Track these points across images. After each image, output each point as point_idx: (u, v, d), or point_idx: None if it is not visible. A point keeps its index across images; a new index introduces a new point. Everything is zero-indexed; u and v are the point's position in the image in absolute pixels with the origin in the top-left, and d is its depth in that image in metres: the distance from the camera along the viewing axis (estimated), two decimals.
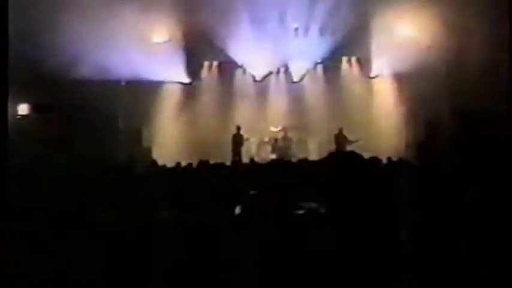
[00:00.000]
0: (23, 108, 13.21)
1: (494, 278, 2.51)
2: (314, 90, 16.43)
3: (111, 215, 3.09)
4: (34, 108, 13.14)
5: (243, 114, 15.99)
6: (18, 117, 12.81)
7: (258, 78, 16.59)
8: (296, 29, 14.92)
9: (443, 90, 13.92)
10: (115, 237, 2.92)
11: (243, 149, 15.20)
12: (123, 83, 14.57)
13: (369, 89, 16.27)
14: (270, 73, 16.56)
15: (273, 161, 7.65)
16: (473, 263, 2.54)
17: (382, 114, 15.72)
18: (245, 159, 14.38)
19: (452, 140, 14.10)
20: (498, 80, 10.27)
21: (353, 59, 16.28)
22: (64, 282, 2.72)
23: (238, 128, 15.25)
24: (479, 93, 12.78)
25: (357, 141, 14.29)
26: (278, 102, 16.42)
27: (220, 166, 4.25)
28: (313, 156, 14.02)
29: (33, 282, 2.70)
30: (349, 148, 14.00)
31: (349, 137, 14.84)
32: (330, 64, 16.31)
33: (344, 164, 2.78)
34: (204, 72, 16.52)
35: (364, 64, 16.18)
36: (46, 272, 2.72)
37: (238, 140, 15.17)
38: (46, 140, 9.36)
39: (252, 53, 15.52)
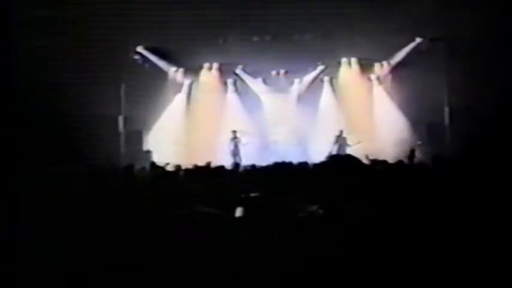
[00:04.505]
0: None
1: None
2: (314, 92, 16.41)
3: None
4: None
5: (242, 116, 15.99)
6: None
7: (257, 79, 16.58)
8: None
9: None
10: None
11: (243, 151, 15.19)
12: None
13: (370, 91, 16.24)
14: (270, 75, 16.53)
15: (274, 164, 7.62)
16: (475, 263, 2.54)
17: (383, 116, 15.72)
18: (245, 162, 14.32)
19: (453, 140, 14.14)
20: None
21: (353, 60, 16.21)
22: None
23: (235, 132, 15.24)
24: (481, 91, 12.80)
25: (358, 142, 14.27)
26: (277, 104, 16.41)
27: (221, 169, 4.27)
28: (313, 159, 13.97)
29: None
30: (348, 150, 13.99)
31: (349, 139, 14.83)
32: (331, 65, 16.28)
33: (342, 167, 2.79)
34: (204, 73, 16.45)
35: (364, 66, 16.16)
36: None
37: (237, 143, 15.17)
38: None
39: (252, 54, 15.47)
